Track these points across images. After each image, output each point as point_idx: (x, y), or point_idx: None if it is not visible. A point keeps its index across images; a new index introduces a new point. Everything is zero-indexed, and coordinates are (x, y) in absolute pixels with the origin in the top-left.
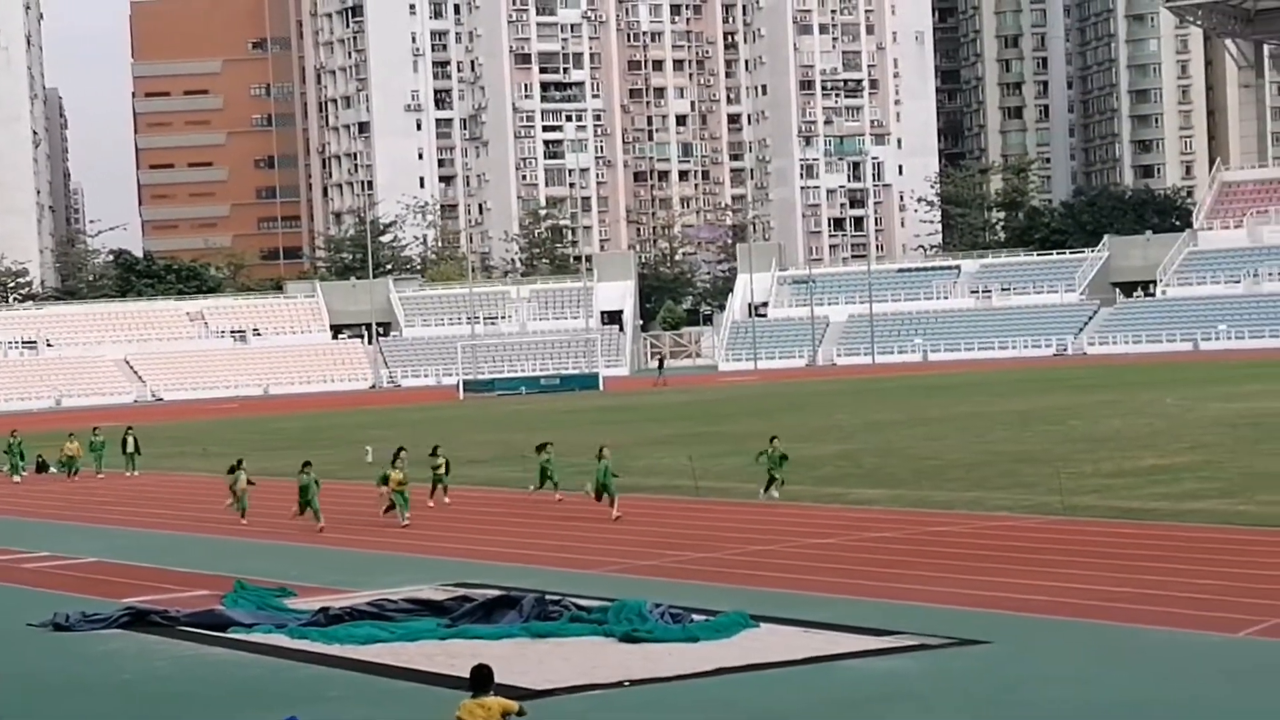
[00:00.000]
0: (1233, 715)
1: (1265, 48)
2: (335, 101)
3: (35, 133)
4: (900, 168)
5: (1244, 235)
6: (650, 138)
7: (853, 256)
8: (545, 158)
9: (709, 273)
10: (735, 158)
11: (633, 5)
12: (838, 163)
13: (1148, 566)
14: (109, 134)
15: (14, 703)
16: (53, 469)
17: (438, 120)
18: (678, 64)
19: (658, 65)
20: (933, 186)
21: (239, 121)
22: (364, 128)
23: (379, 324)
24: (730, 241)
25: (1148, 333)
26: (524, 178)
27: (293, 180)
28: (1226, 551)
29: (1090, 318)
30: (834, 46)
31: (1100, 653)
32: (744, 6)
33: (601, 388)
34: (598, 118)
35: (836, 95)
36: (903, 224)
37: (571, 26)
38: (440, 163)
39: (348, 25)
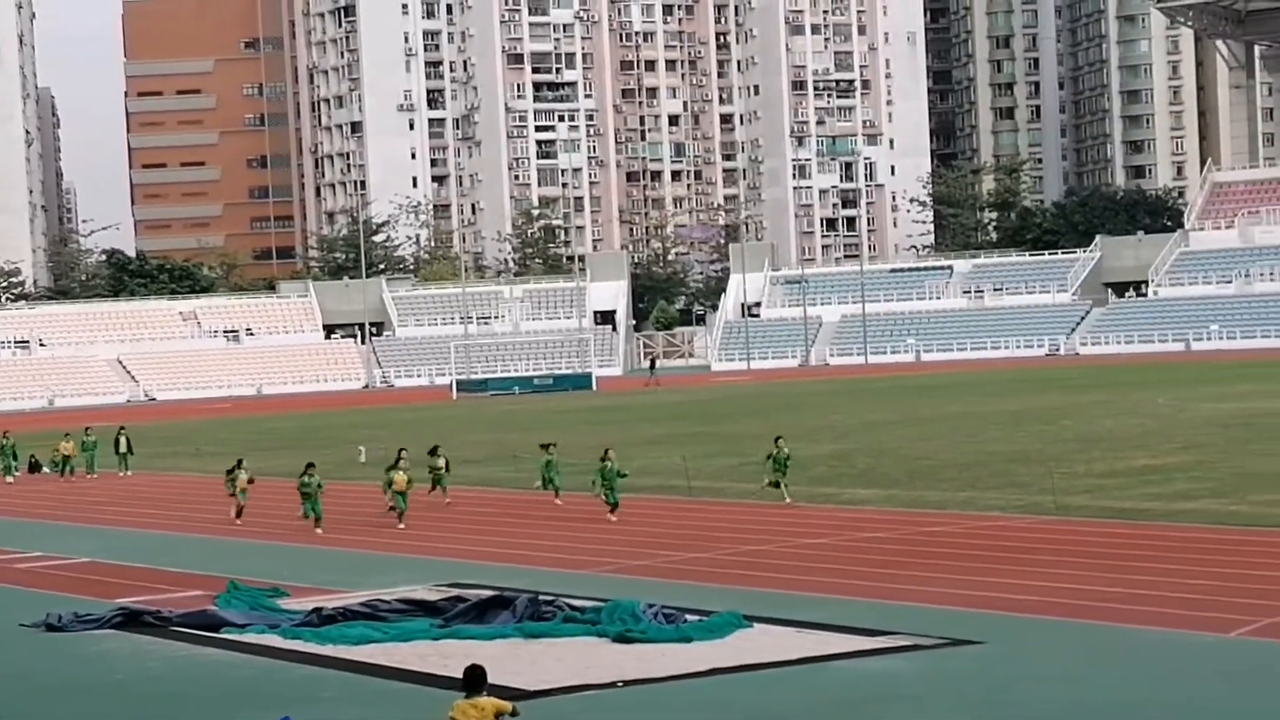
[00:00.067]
0: (1226, 716)
1: (1256, 48)
2: (328, 101)
3: (28, 132)
4: (892, 168)
5: (1235, 236)
6: (643, 138)
7: (845, 257)
8: (538, 158)
9: (702, 273)
10: (728, 158)
11: (625, 5)
12: (830, 163)
13: (1140, 566)
14: (101, 133)
15: (7, 703)
16: (46, 469)
17: (430, 120)
18: (670, 64)
19: (650, 65)
20: (925, 187)
21: (231, 121)
22: (356, 127)
23: (372, 324)
24: (723, 241)
25: (1140, 333)
26: (517, 178)
27: (285, 180)
28: (1219, 552)
29: (1082, 318)
30: (826, 47)
31: (1093, 653)
32: (736, 7)
33: (595, 388)
34: (590, 118)
35: (829, 95)
36: (895, 224)
37: (564, 26)
38: (433, 162)
39: (340, 25)
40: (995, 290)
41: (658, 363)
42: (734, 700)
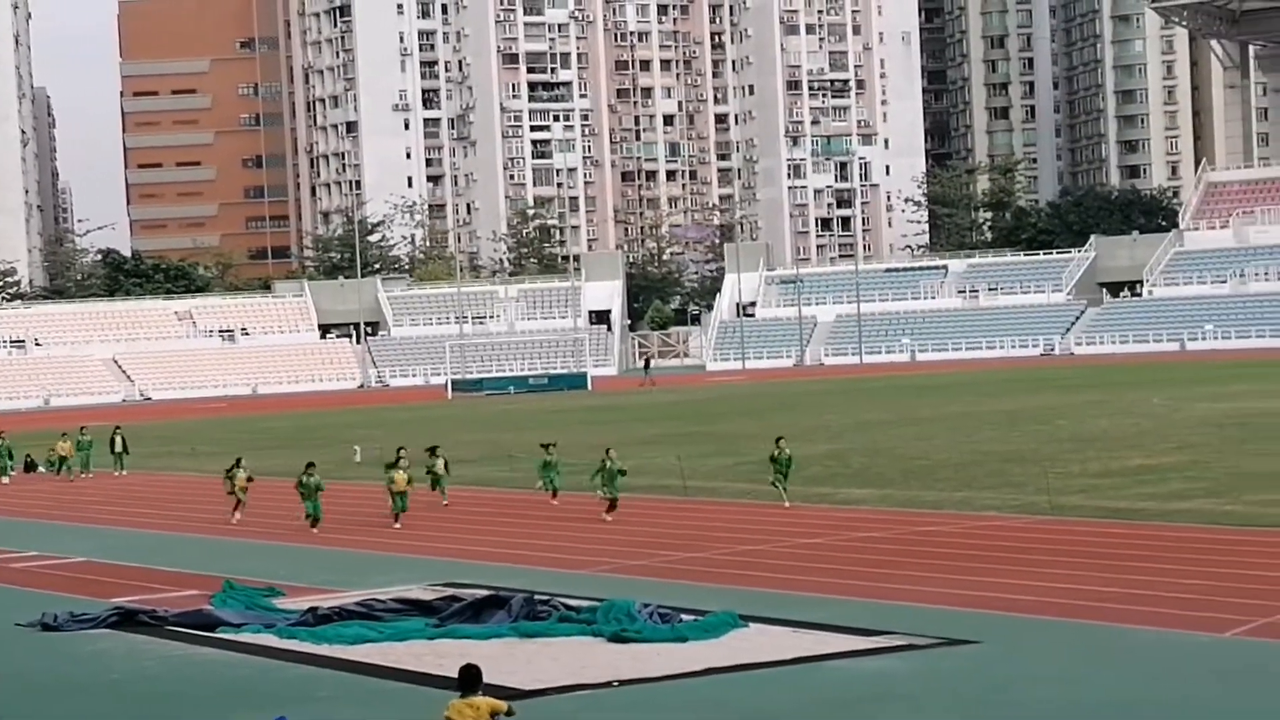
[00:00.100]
0: (1222, 715)
1: (1250, 48)
2: (323, 101)
3: (23, 132)
4: (887, 168)
5: (1230, 235)
6: (638, 137)
7: (840, 256)
8: (533, 157)
9: (696, 272)
10: (723, 157)
11: (620, 5)
12: (825, 163)
13: (1135, 566)
14: (97, 133)
15: (3, 703)
16: (41, 469)
17: (425, 120)
18: (665, 64)
19: (645, 65)
20: (920, 186)
21: (227, 121)
22: (352, 127)
23: (367, 323)
24: (718, 241)
25: (1134, 333)
26: (512, 177)
27: (281, 180)
28: (1214, 551)
29: (1077, 318)
30: (821, 47)
31: (1088, 652)
32: (731, 7)
33: (590, 387)
34: (585, 117)
35: (823, 95)
36: (890, 224)
37: (559, 26)
38: (428, 162)
39: (335, 25)
40: (990, 290)
41: (652, 362)
42: (729, 700)
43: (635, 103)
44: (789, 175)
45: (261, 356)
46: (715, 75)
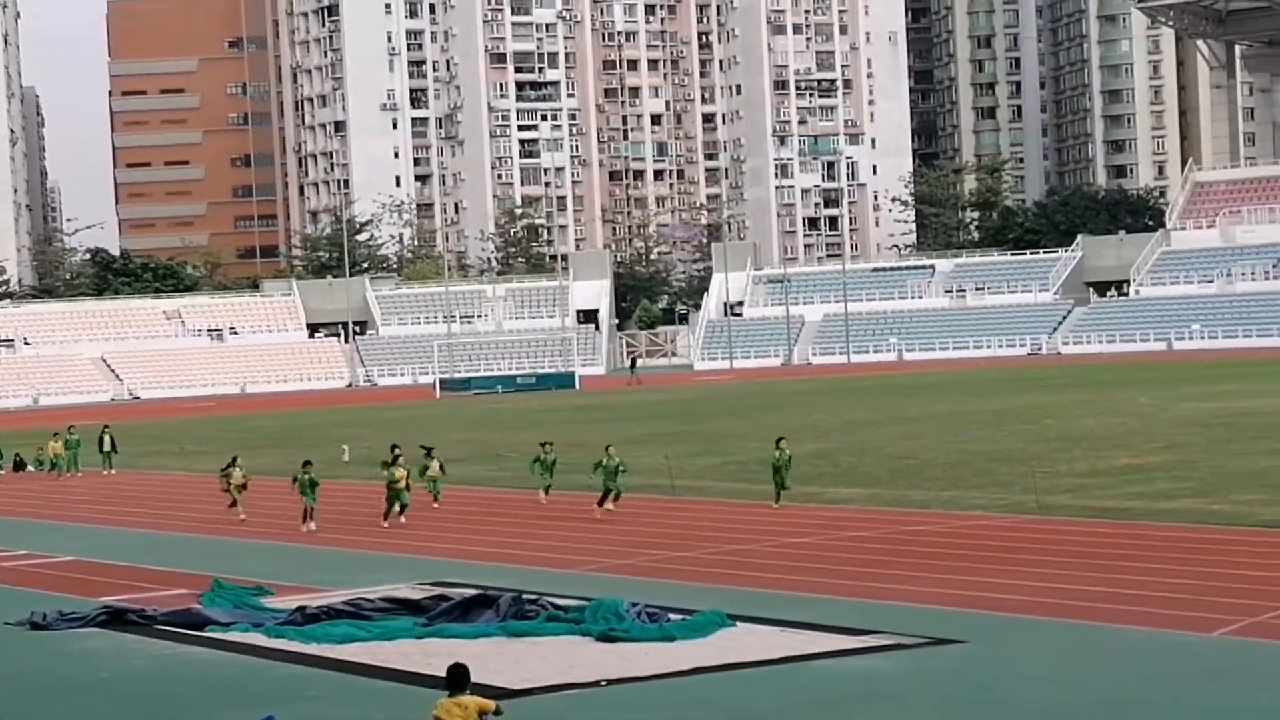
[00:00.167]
0: (1210, 715)
1: (1237, 48)
2: (311, 100)
3: (12, 131)
4: (874, 167)
5: (1217, 235)
6: (625, 137)
7: (827, 256)
8: (521, 157)
9: (684, 272)
10: (710, 157)
11: (607, 5)
12: (812, 162)
13: (1122, 566)
14: (86, 132)
15: None
16: (30, 468)
17: (413, 119)
18: (652, 64)
19: (632, 65)
20: (907, 186)
21: (215, 120)
22: (340, 126)
23: (355, 323)
24: (705, 241)
25: (1121, 332)
26: (499, 177)
27: (269, 179)
28: (1201, 551)
29: (1064, 317)
30: (808, 46)
31: (1075, 652)
32: (718, 6)
33: (577, 387)
34: (573, 117)
35: (810, 95)
36: (877, 224)
37: (546, 26)
38: (416, 161)
39: (323, 24)
40: (977, 290)
41: (639, 362)
42: (717, 699)
43: (623, 102)
44: (776, 175)
45: (250, 356)
46: (703, 75)
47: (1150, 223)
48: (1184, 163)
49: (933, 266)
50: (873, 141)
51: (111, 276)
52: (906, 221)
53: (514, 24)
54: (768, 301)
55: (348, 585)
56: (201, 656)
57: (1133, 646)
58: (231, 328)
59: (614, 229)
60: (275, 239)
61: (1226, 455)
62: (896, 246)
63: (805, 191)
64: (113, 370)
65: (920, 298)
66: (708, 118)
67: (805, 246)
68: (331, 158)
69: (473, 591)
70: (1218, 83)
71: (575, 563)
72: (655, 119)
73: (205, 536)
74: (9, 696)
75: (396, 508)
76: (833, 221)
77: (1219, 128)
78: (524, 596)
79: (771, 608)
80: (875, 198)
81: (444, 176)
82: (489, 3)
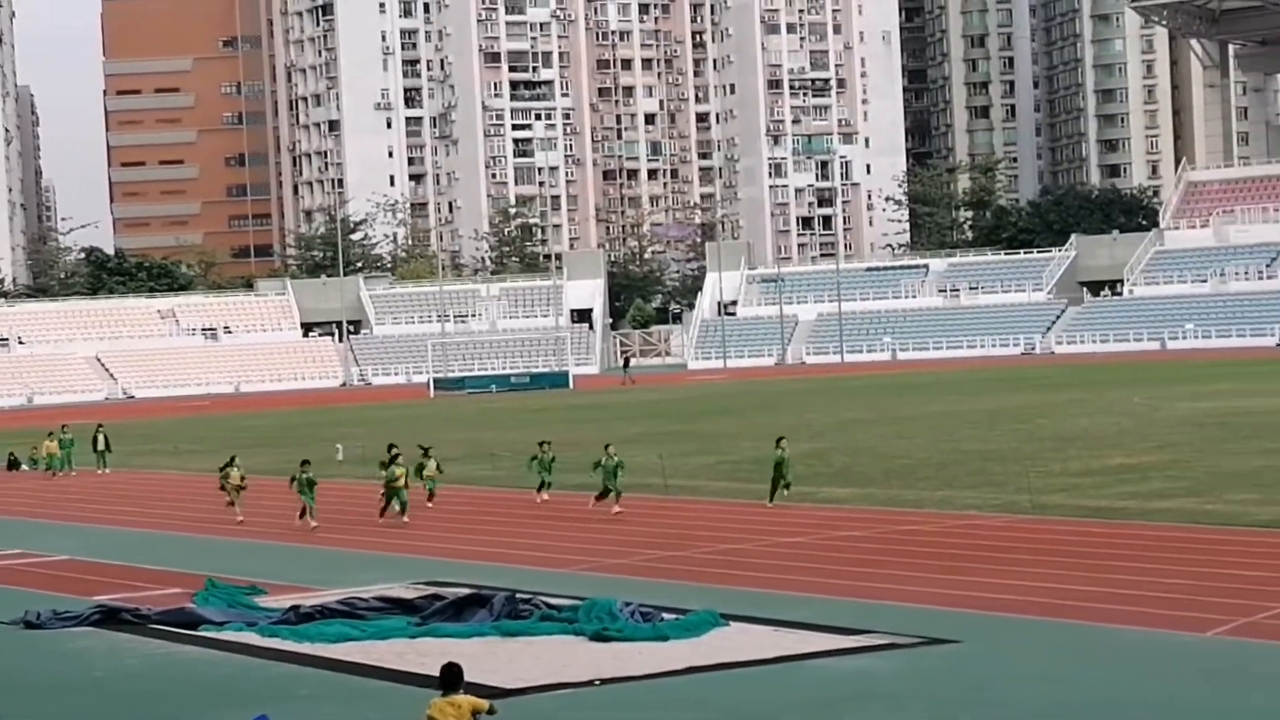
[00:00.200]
0: (1205, 715)
1: (1230, 47)
2: (305, 99)
3: (7, 130)
4: (868, 167)
5: (1210, 235)
6: (619, 136)
7: (821, 255)
8: (515, 156)
9: (678, 271)
10: (704, 156)
11: (601, 4)
12: (806, 162)
13: (1116, 565)
14: (80, 132)
15: None
16: (25, 466)
17: (408, 118)
18: (646, 63)
19: (626, 64)
20: (900, 186)
21: (210, 119)
22: (334, 126)
23: (349, 322)
24: (699, 240)
25: (1115, 332)
26: (493, 176)
27: (263, 178)
28: (1195, 551)
29: (1058, 317)
30: (801, 46)
31: (1069, 652)
32: (712, 6)
33: (571, 386)
34: (567, 116)
35: (804, 94)
36: (871, 223)
37: (540, 25)
38: (410, 161)
39: (318, 24)
40: (971, 289)
41: (634, 361)
42: (710, 699)
43: (617, 101)
44: (770, 174)
45: (244, 355)
46: (696, 74)
47: (1144, 222)
48: (1177, 162)
49: (926, 266)
50: (866, 141)
51: (106, 276)
52: (900, 221)
53: (508, 23)
54: (761, 301)
55: (341, 584)
56: (195, 656)
57: (1127, 646)
58: (226, 327)
59: (608, 228)
60: (269, 238)
61: (1220, 455)
62: (890, 246)
63: (799, 191)
64: (107, 369)
65: (914, 297)
66: (701, 117)
67: (799, 246)
68: (326, 157)
69: (466, 591)
70: (1211, 82)
71: (569, 562)
72: (649, 118)
73: (199, 536)
74: (3, 695)
75: (396, 506)
76: (826, 221)
77: (1212, 127)
78: (518, 596)
79: (765, 607)
80: (869, 197)
81: (438, 176)
82: (483, 2)
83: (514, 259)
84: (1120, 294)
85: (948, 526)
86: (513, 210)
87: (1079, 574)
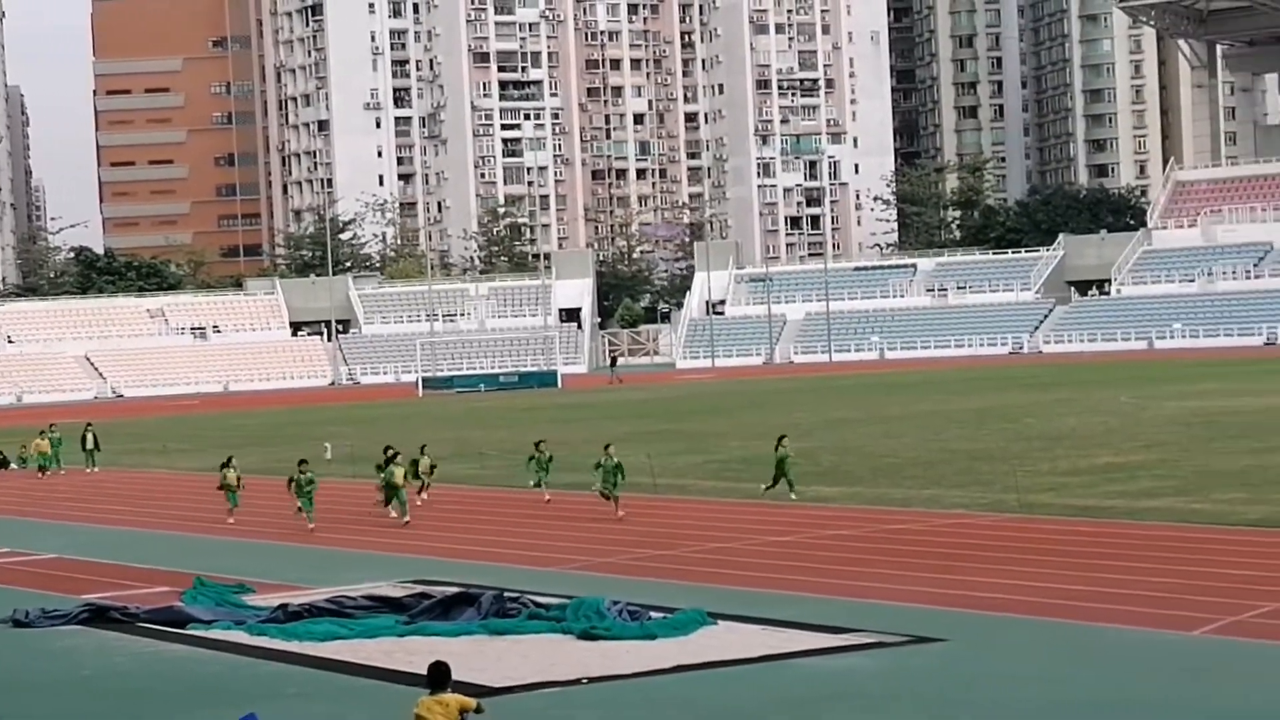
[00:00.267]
0: (1192, 714)
1: (1218, 48)
2: (295, 100)
3: None
4: (856, 166)
5: (1198, 234)
6: (608, 136)
7: (809, 255)
8: (504, 156)
9: (666, 271)
10: (692, 156)
11: (590, 5)
12: (794, 161)
13: (1104, 564)
14: (70, 131)
15: None
16: (13, 465)
17: (397, 118)
18: (635, 63)
19: (615, 64)
20: (889, 185)
21: (199, 119)
22: (323, 126)
23: (338, 321)
24: (687, 239)
25: (1102, 331)
26: (482, 176)
27: (253, 178)
28: (1182, 549)
29: (1045, 316)
30: (790, 46)
31: (1057, 650)
32: (701, 6)
33: (560, 385)
34: (556, 116)
35: (793, 94)
36: (859, 222)
37: (529, 26)
38: (399, 160)
39: (307, 24)
40: (959, 288)
41: (622, 360)
42: (698, 698)
43: (605, 101)
44: (758, 174)
45: (233, 354)
46: (685, 74)
47: (1131, 222)
48: (1165, 162)
49: (914, 265)
50: (855, 140)
51: (95, 275)
52: (888, 220)
53: (497, 23)
54: (750, 300)
55: (330, 583)
56: (183, 654)
57: (1114, 645)
58: (215, 326)
59: (596, 228)
60: (259, 238)
61: (1207, 454)
62: (878, 245)
63: (787, 190)
64: (96, 368)
65: (902, 297)
66: (690, 117)
67: (787, 245)
68: (315, 157)
69: (454, 589)
70: (1199, 82)
71: (557, 561)
72: (638, 118)
73: (188, 534)
74: None
75: (396, 507)
76: (815, 220)
77: (1200, 127)
78: (505, 594)
79: (753, 606)
80: (857, 197)
81: (427, 175)
82: (472, 2)
83: (503, 258)
84: (1108, 293)
85: (935, 525)
86: (501, 210)
87: (1067, 573)
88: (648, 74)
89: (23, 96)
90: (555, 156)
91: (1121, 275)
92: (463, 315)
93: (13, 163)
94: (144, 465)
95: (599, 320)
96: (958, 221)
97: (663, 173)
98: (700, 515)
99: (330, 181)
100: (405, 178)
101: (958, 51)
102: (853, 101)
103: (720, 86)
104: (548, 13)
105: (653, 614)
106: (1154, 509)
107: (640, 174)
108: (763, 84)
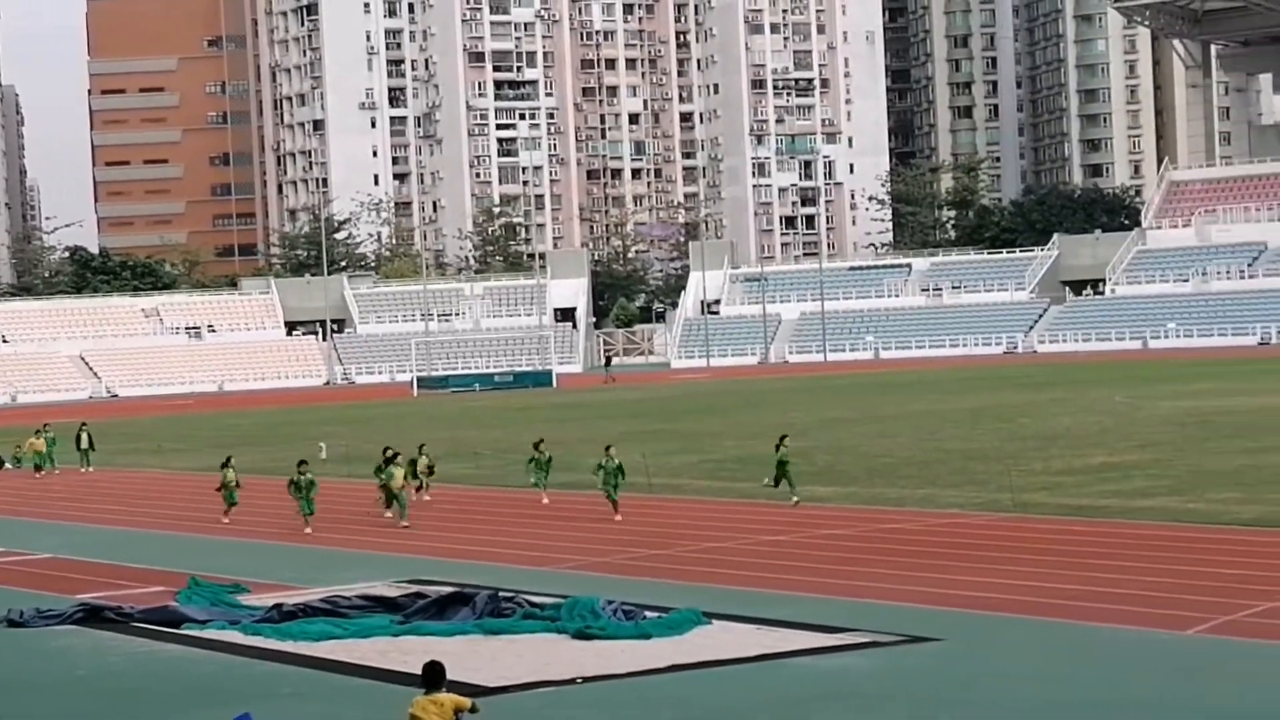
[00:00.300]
0: (1185, 713)
1: (1212, 48)
2: (290, 99)
3: None
4: (851, 166)
5: (1192, 234)
6: (603, 136)
7: (804, 254)
8: (499, 155)
9: (661, 270)
10: (688, 156)
11: (586, 4)
12: (789, 161)
13: (1098, 564)
14: (65, 131)
15: None
16: (8, 465)
17: (392, 118)
18: (630, 63)
19: (610, 64)
20: (884, 185)
21: (194, 119)
22: (319, 125)
23: (333, 321)
24: (683, 239)
25: (1097, 331)
26: (478, 175)
27: (248, 177)
28: (1176, 549)
29: (1040, 316)
30: (785, 46)
31: (1051, 649)
32: (696, 6)
33: (555, 384)
34: (551, 116)
35: (788, 94)
36: (854, 222)
37: (525, 25)
38: (394, 160)
39: (303, 23)
40: (954, 288)
41: (617, 360)
42: (692, 697)
43: (601, 101)
44: (753, 173)
45: (228, 353)
46: (680, 74)
47: (1126, 222)
48: (1160, 162)
49: (909, 265)
50: (850, 140)
51: (90, 274)
52: (883, 220)
53: (492, 23)
54: (745, 300)
55: (324, 583)
56: (178, 654)
57: (1108, 644)
58: (210, 326)
59: (592, 227)
60: (254, 237)
61: (1201, 454)
62: (873, 245)
63: (782, 190)
64: (91, 368)
65: (897, 296)
66: (685, 117)
67: (782, 245)
68: (310, 156)
69: (449, 589)
70: (1193, 82)
71: (552, 560)
72: (633, 118)
73: (182, 534)
74: None
75: (395, 508)
76: (810, 220)
77: (1194, 127)
78: (500, 594)
79: (748, 605)
80: (852, 196)
81: (422, 175)
82: (467, 2)
83: (498, 258)
84: (1102, 293)
85: (930, 525)
86: (497, 209)
87: (1061, 572)
88: (643, 74)
89: (17, 96)
90: (550, 156)
91: (1116, 275)
92: (458, 315)
93: (7, 162)
94: (139, 465)
95: (594, 320)
96: (953, 221)
97: (658, 172)
98: (695, 515)
99: (325, 181)
100: (400, 177)
101: (953, 51)
102: (848, 101)
103: (715, 86)
104: (543, 12)
105: (648, 613)
106: (1148, 509)
107: (635, 173)
108: (758, 84)
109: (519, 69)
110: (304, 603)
